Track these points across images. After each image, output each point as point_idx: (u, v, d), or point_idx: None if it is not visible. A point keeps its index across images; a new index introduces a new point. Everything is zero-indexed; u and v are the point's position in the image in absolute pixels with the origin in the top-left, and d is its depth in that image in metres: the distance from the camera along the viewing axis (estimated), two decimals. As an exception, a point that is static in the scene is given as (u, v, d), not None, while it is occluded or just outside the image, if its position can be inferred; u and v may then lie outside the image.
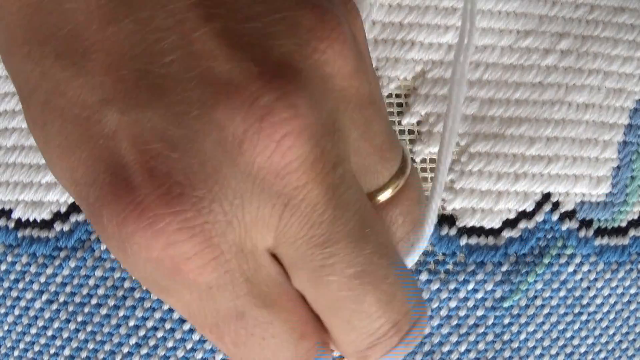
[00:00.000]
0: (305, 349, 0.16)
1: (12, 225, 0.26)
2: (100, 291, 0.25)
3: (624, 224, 0.27)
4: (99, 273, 0.25)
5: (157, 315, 0.25)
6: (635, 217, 0.27)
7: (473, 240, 0.26)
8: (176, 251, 0.14)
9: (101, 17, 0.14)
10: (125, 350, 0.25)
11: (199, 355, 0.25)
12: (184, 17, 0.14)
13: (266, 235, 0.15)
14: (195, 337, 0.25)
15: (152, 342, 0.25)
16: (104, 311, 0.25)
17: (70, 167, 0.15)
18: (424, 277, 0.25)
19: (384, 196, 0.17)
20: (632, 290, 0.27)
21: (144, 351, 0.25)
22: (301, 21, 0.15)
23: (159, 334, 0.25)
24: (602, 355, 0.27)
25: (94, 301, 0.26)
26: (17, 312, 0.26)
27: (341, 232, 0.15)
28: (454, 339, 0.26)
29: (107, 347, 0.26)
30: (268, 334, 0.16)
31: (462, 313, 0.26)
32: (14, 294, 0.26)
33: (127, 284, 0.25)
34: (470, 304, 0.26)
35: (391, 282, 0.16)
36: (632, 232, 0.27)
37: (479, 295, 0.26)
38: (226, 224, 0.14)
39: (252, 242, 0.15)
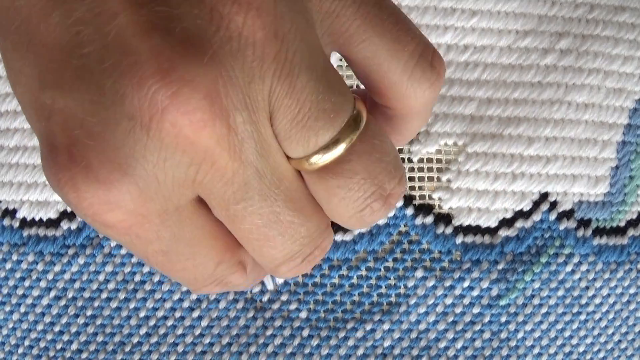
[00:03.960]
0: (222, 269, 0.19)
1: (17, 224, 0.28)
2: (111, 285, 0.27)
3: (622, 224, 0.28)
4: (109, 268, 0.27)
5: (168, 305, 0.27)
6: (634, 216, 0.28)
7: (469, 239, 0.27)
8: (102, 219, 0.17)
9: (37, 11, 0.17)
10: (135, 340, 0.27)
11: (207, 340, 0.27)
12: (101, 10, 0.16)
13: (186, 192, 0.17)
14: (204, 323, 0.27)
15: (162, 331, 0.27)
16: (114, 304, 0.27)
17: (35, 132, 0.18)
18: (419, 274, 0.27)
19: (318, 163, 0.18)
20: (631, 290, 0.28)
21: (153, 340, 0.27)
22: None
23: (169, 323, 0.27)
24: (601, 354, 0.28)
25: (104, 295, 0.27)
26: (22, 309, 0.28)
27: (250, 192, 0.17)
28: (450, 335, 0.27)
29: (116, 338, 0.27)
30: (189, 265, 0.19)
31: (458, 310, 0.27)
32: (20, 291, 0.28)
33: (137, 278, 0.27)
34: (466, 301, 0.27)
35: (296, 226, 0.18)
36: (630, 232, 0.28)
37: (475, 292, 0.27)
38: (144, 197, 0.17)
39: (174, 204, 0.18)
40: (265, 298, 0.27)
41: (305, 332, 0.27)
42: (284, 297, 0.27)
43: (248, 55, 0.16)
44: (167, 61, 0.16)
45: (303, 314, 0.27)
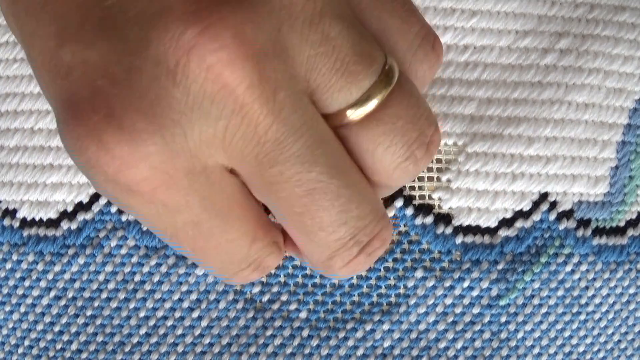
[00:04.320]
0: (257, 248, 0.19)
1: (17, 224, 0.28)
2: (111, 285, 0.27)
3: (622, 224, 0.28)
4: (109, 268, 0.27)
5: (168, 305, 0.27)
6: (634, 216, 0.28)
7: (469, 239, 0.27)
8: (126, 176, 0.16)
9: None
10: (135, 340, 0.27)
11: (207, 340, 0.27)
12: None
13: (215, 154, 0.17)
14: (204, 323, 0.27)
15: (161, 331, 0.27)
16: (114, 304, 0.27)
17: (49, 100, 0.18)
18: (419, 274, 0.27)
19: (362, 110, 0.17)
20: (631, 290, 0.29)
21: (153, 340, 0.27)
22: None
23: (169, 323, 0.27)
24: (601, 354, 0.29)
25: (104, 295, 0.27)
26: (22, 309, 0.28)
27: (286, 153, 0.17)
28: (450, 335, 0.27)
29: (116, 338, 0.28)
30: (223, 240, 0.18)
31: (458, 310, 0.27)
32: (20, 291, 0.28)
33: (137, 278, 0.27)
34: (466, 301, 0.27)
35: (344, 200, 0.17)
36: (630, 232, 0.28)
37: (475, 293, 0.27)
38: (169, 152, 0.16)
39: (201, 163, 0.17)
40: (265, 298, 0.27)
41: (305, 333, 0.27)
42: (284, 298, 0.27)
43: (275, 4, 0.16)
44: (195, 3, 0.15)
45: (303, 315, 0.27)
